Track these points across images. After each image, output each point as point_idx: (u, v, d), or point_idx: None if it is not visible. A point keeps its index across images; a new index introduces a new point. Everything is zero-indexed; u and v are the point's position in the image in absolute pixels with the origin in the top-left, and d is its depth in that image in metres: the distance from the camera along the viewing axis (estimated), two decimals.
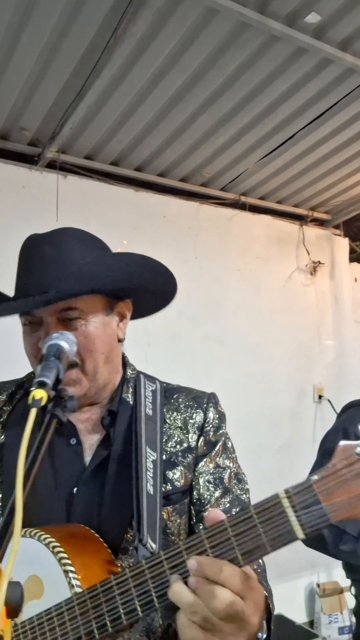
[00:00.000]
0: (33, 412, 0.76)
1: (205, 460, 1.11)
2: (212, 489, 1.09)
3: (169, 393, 1.19)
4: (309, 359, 4.10)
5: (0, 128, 2.97)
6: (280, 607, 2.59)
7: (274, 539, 0.69)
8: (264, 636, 0.80)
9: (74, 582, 0.84)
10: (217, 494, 1.08)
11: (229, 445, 1.16)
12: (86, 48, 2.32)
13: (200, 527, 1.07)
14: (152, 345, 3.17)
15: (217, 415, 1.16)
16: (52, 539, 0.89)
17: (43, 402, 0.79)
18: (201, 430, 1.13)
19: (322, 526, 0.67)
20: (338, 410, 2.12)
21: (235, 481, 1.12)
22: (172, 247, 3.49)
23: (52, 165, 3.21)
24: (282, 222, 4.15)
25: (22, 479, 0.68)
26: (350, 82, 2.64)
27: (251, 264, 3.93)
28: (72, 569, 0.85)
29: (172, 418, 1.14)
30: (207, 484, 1.09)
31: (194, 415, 1.14)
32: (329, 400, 4.02)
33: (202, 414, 1.14)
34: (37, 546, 0.90)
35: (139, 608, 0.76)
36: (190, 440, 1.11)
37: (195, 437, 1.12)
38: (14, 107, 2.76)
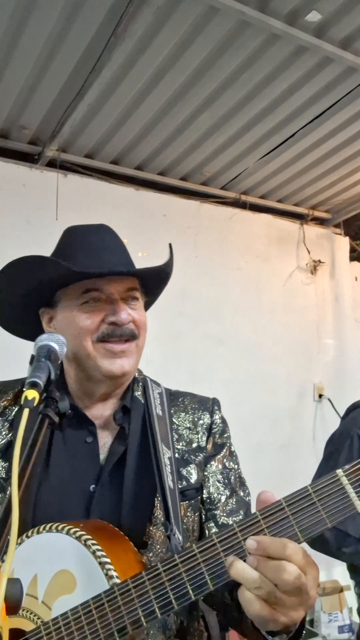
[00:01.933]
0: (26, 412, 0.77)
1: (213, 461, 1.14)
2: (221, 489, 1.12)
3: (174, 396, 1.22)
4: (309, 357, 4.09)
5: (1, 127, 2.97)
6: None
7: (333, 514, 0.73)
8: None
9: (111, 573, 0.82)
10: (226, 493, 1.11)
11: (233, 449, 1.19)
12: (86, 47, 2.32)
13: (211, 525, 1.09)
14: (151, 345, 3.15)
15: (222, 420, 1.20)
16: (83, 532, 0.87)
17: (35, 403, 0.81)
18: (209, 431, 1.16)
19: None
20: (338, 409, 2.11)
21: (239, 484, 1.15)
22: (172, 246, 3.48)
23: (52, 164, 3.21)
24: (282, 220, 4.15)
25: (17, 477, 0.70)
26: (350, 81, 2.63)
27: (251, 262, 3.92)
28: (108, 560, 0.83)
29: (180, 419, 1.17)
30: (217, 484, 1.12)
31: (202, 416, 1.18)
32: (329, 399, 4.01)
33: (208, 416, 1.18)
34: (66, 540, 0.87)
35: (191, 592, 0.76)
36: (200, 440, 1.15)
37: (204, 437, 1.15)
38: (14, 106, 2.76)
